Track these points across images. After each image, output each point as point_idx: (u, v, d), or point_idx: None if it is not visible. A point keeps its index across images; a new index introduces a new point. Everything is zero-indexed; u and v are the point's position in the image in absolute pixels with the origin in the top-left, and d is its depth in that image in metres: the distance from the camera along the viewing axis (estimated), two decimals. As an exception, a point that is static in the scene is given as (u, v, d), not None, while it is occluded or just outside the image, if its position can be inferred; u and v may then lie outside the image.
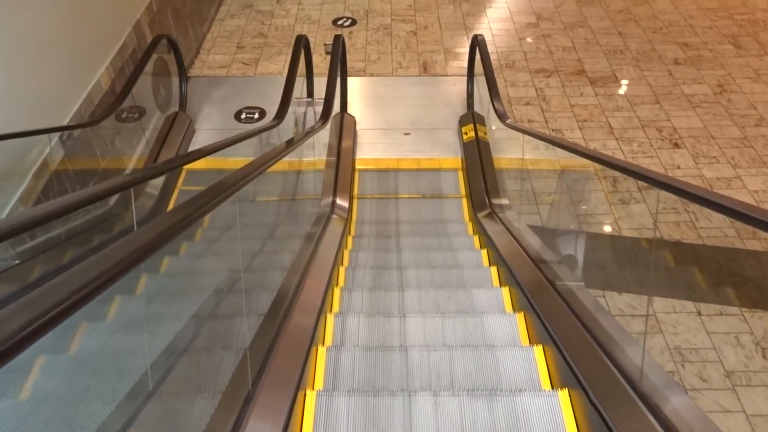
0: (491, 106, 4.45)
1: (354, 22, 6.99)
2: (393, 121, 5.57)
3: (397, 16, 7.10)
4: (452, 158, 5.16)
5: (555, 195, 4.46)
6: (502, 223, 3.89)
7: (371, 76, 6.16)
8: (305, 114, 5.18)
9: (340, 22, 6.98)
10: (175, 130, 5.01)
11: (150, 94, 4.93)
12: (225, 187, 1.79)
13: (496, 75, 4.85)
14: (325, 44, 5.00)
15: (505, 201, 4.27)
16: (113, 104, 4.10)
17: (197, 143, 5.29)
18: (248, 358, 1.87)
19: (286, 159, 3.24)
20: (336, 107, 5.22)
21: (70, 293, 0.92)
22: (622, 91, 5.81)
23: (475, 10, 7.20)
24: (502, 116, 4.16)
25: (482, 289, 3.17)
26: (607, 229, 4.49)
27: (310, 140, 3.98)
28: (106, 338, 1.94)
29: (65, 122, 3.77)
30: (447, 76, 6.13)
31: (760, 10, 6.96)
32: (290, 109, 4.34)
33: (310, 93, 5.19)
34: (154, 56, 4.85)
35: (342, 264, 3.64)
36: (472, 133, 5.04)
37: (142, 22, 4.92)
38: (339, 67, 4.95)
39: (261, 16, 7.11)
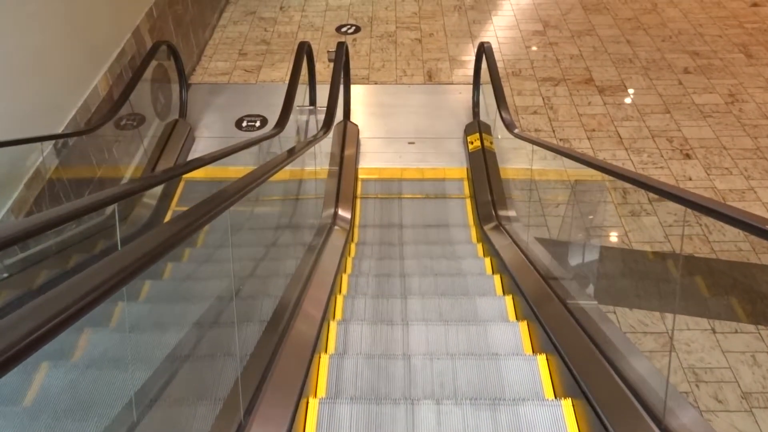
0: (498, 115, 4.33)
1: (358, 30, 6.89)
2: (397, 130, 5.46)
3: (402, 24, 7.00)
4: (458, 168, 5.04)
5: (565, 206, 4.34)
6: (509, 236, 3.77)
7: (375, 84, 6.06)
8: (307, 122, 5.07)
9: (343, 30, 6.89)
10: (175, 138, 4.91)
11: (149, 101, 4.83)
12: (218, 202, 1.68)
13: (502, 83, 4.74)
14: (328, 51, 4.90)
15: (512, 213, 4.15)
16: (110, 111, 3.99)
17: (197, 151, 5.19)
18: (239, 374, 1.75)
19: (287, 168, 3.15)
20: (339, 115, 5.12)
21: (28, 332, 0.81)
22: (631, 100, 5.69)
23: (481, 17, 7.10)
24: (509, 126, 4.04)
25: (486, 298, 3.13)
26: (616, 241, 4.36)
27: (311, 149, 3.87)
28: (73, 377, 1.80)
29: (60, 130, 3.67)
30: (452, 84, 6.03)
31: (771, 18, 6.86)
32: (292, 118, 4.24)
33: (313, 101, 5.08)
34: (154, 63, 4.76)
35: (345, 271, 3.59)
36: (478, 143, 4.93)
37: (142, 29, 4.83)
38: (342, 75, 4.85)
39: (264, 22, 7.02)
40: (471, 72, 5.71)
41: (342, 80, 5.04)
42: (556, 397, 2.24)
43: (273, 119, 3.92)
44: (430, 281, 3.39)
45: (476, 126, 5.15)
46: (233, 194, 1.60)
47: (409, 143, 5.31)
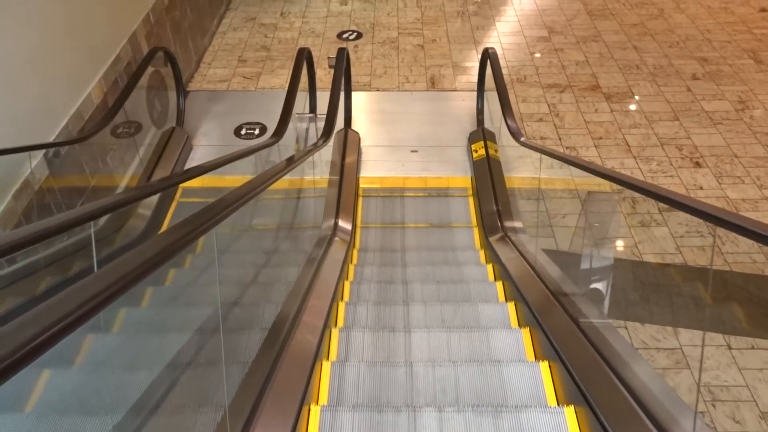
0: (503, 123, 4.21)
1: (359, 36, 6.78)
2: (399, 138, 5.34)
3: (404, 30, 6.89)
4: (461, 177, 4.91)
5: (577, 217, 4.21)
6: (516, 248, 3.63)
7: (377, 90, 5.94)
8: (307, 130, 4.95)
9: (345, 36, 6.78)
10: (172, 146, 4.79)
11: (145, 108, 4.72)
12: (201, 222, 1.56)
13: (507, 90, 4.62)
14: (328, 57, 4.78)
15: (518, 224, 4.01)
16: (104, 119, 3.88)
17: (195, 160, 5.07)
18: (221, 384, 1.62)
19: (285, 178, 3.04)
20: (339, 123, 5.00)
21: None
22: (639, 107, 5.56)
23: (485, 23, 6.99)
24: (515, 134, 3.91)
25: (488, 304, 3.09)
26: (626, 253, 4.22)
27: (311, 158, 3.75)
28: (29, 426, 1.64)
29: (51, 138, 3.55)
30: (456, 91, 5.91)
31: (780, 24, 6.73)
32: (291, 125, 4.11)
33: (313, 108, 4.96)
34: (150, 69, 4.65)
35: (347, 279, 3.55)
36: (482, 151, 4.80)
37: (138, 35, 4.72)
38: (343, 82, 4.73)
39: (264, 29, 6.92)
40: (475, 78, 5.59)
41: (343, 87, 4.93)
42: (558, 404, 2.23)
43: (272, 127, 3.80)
44: (432, 288, 3.36)
45: (480, 134, 5.02)
46: (218, 213, 1.47)
47: (412, 151, 5.19)
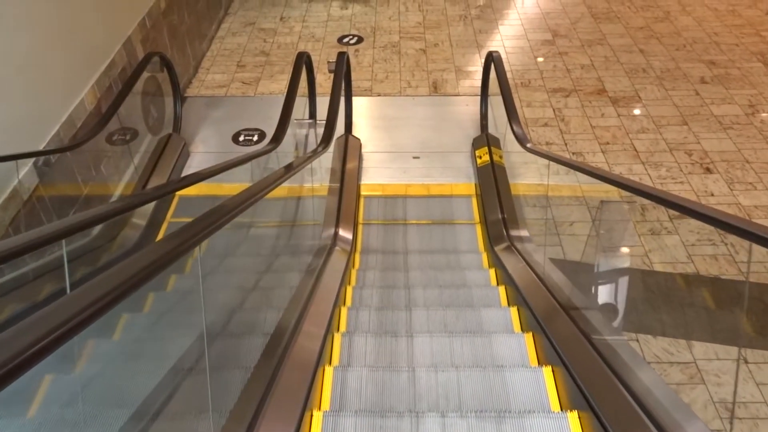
0: (509, 128, 4.08)
1: (360, 40, 6.67)
2: (401, 144, 5.21)
3: (406, 34, 6.78)
4: (465, 184, 4.78)
5: (590, 226, 4.08)
6: (522, 258, 3.50)
7: (378, 95, 5.82)
8: (307, 136, 4.83)
9: (345, 40, 6.67)
10: (168, 153, 4.68)
11: (140, 115, 4.60)
12: (199, 229, 1.44)
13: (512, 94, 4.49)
14: (328, 62, 4.67)
15: (524, 233, 3.88)
16: (97, 126, 3.76)
17: (192, 167, 4.95)
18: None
19: (284, 185, 2.93)
20: (340, 129, 4.88)
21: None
22: (646, 111, 5.43)
23: (487, 27, 6.88)
24: (522, 139, 3.79)
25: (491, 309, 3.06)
26: (637, 262, 4.08)
27: (310, 165, 3.63)
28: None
29: (41, 146, 3.43)
30: (458, 95, 5.79)
31: (789, 26, 6.61)
32: (290, 132, 3.99)
33: (313, 114, 4.84)
34: (146, 75, 4.53)
35: (350, 283, 3.51)
36: (486, 157, 4.67)
37: (134, 39, 4.61)
38: (343, 86, 4.61)
39: (263, 33, 6.81)
40: (478, 83, 5.46)
41: (343, 92, 4.81)
42: (562, 410, 2.21)
43: (271, 133, 3.68)
44: (434, 292, 3.33)
45: (484, 139, 4.89)
46: (202, 229, 1.34)
47: (414, 158, 5.06)
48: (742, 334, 3.66)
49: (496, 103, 4.94)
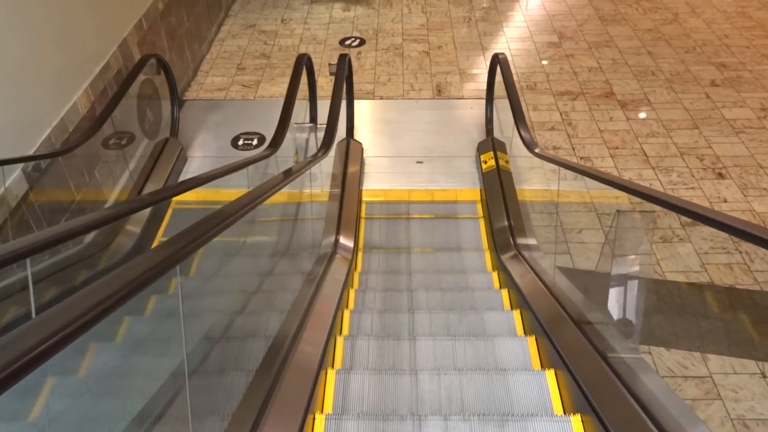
0: (515, 132, 3.95)
1: (363, 42, 6.55)
2: (404, 149, 5.08)
3: (409, 36, 6.65)
4: (470, 189, 4.65)
5: (588, 232, 3.95)
6: (530, 267, 3.36)
7: (381, 99, 5.70)
8: (307, 141, 4.70)
9: (347, 42, 6.55)
10: (165, 157, 4.55)
11: (136, 118, 4.48)
12: (190, 239, 1.33)
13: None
14: (329, 64, 4.54)
15: (532, 241, 3.75)
16: (89, 130, 3.64)
17: (190, 172, 4.83)
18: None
19: (284, 191, 2.81)
20: (342, 133, 4.75)
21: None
22: (655, 115, 5.29)
23: (492, 29, 6.75)
24: (529, 144, 3.65)
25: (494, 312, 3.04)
26: (649, 271, 3.94)
27: (309, 171, 3.50)
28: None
29: (31, 151, 3.31)
30: (463, 99, 5.66)
31: (801, 28, 6.46)
32: (290, 136, 3.87)
33: (313, 118, 4.71)
34: (142, 77, 4.42)
35: (352, 286, 3.46)
36: (492, 162, 4.53)
37: (130, 41, 4.49)
38: (345, 89, 4.49)
39: (264, 36, 6.70)
40: (482, 86, 5.34)
41: (345, 95, 4.68)
42: (565, 413, 2.21)
43: (271, 137, 3.56)
44: (437, 296, 3.32)
45: (490, 144, 4.76)
46: (182, 248, 1.21)
47: (418, 162, 4.93)
48: (758, 346, 3.52)
49: (501, 107, 4.81)
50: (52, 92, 3.55)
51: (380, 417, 2.13)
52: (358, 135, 5.12)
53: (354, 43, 6.53)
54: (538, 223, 4.07)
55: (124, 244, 3.73)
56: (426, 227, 4.31)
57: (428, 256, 4.05)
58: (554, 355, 2.47)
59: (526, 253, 3.63)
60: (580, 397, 2.11)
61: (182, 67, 5.68)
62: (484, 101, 5.19)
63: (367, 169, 4.86)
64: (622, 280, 3.31)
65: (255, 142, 5.11)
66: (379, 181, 4.76)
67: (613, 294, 3.14)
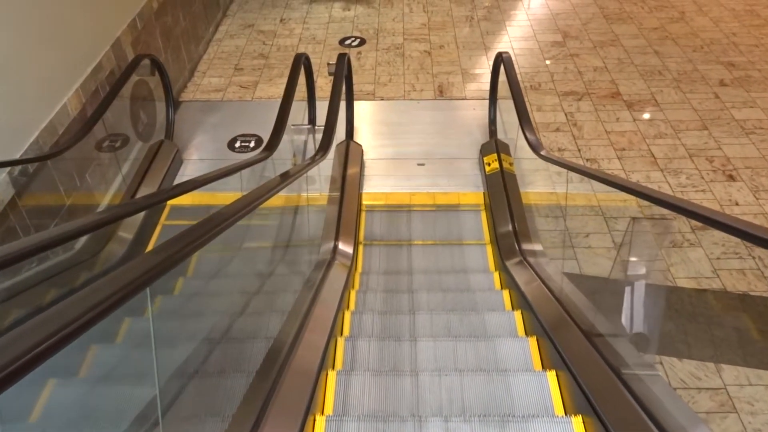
0: (520, 133, 3.82)
1: (363, 42, 6.43)
2: (405, 151, 4.95)
3: (410, 35, 6.53)
4: (473, 192, 4.52)
5: (595, 236, 3.82)
6: (537, 274, 3.23)
7: (381, 100, 5.57)
8: (306, 143, 4.58)
9: (347, 42, 6.42)
10: (159, 160, 4.43)
11: (129, 120, 4.36)
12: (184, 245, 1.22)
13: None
14: (328, 64, 4.42)
15: (538, 247, 3.62)
16: (79, 132, 3.52)
17: (185, 175, 4.70)
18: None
19: (280, 195, 2.70)
20: (341, 135, 4.63)
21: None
22: (663, 115, 5.16)
23: (495, 28, 6.62)
24: (535, 146, 3.52)
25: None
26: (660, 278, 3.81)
27: (306, 174, 3.38)
28: None
29: (18, 155, 3.19)
30: (465, 99, 5.53)
31: (810, 26, 6.33)
32: (288, 138, 3.75)
33: (312, 119, 4.59)
34: (135, 78, 4.30)
35: (353, 287, 3.42)
36: (495, 164, 4.41)
37: (123, 41, 4.37)
38: (344, 90, 4.36)
39: (263, 36, 6.57)
40: (485, 86, 5.21)
41: (344, 96, 4.56)
42: (566, 414, 2.20)
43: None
44: (438, 297, 3.29)
45: (493, 145, 4.63)
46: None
47: (419, 165, 4.81)
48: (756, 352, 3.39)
49: (505, 108, 4.69)
50: (41, 93, 3.43)
51: (381, 418, 2.12)
52: (358, 137, 5.00)
53: (354, 43, 6.41)
54: (543, 227, 3.94)
55: (115, 250, 3.61)
56: (428, 220, 4.26)
57: (429, 256, 3.97)
58: (555, 356, 2.38)
59: (531, 259, 3.51)
60: (581, 398, 2.09)
61: (178, 67, 5.56)
62: (487, 102, 5.06)
63: (367, 171, 4.73)
64: (632, 286, 3.18)
65: (252, 144, 4.99)
66: (379, 184, 4.63)
67: (623, 302, 3.01)
